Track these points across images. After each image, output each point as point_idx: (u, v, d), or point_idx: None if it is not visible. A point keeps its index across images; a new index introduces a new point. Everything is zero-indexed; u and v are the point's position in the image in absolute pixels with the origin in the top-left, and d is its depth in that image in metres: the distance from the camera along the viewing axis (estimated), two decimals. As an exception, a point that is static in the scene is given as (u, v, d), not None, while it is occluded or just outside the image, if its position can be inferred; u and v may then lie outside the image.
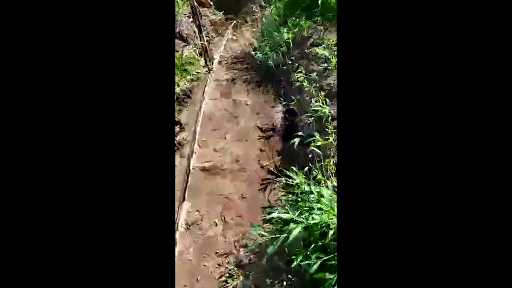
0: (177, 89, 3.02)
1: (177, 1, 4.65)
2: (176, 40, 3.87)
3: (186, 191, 2.12)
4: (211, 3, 5.44)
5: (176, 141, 2.51)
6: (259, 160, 2.33)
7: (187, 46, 3.81)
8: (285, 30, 3.24)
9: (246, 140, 2.56)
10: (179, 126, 2.67)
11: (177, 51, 3.73)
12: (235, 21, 5.42)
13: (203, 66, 3.58)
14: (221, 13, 5.39)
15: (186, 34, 3.92)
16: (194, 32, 4.05)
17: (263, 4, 5.42)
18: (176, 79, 3.13)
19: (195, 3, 4.96)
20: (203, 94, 3.16)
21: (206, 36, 4.32)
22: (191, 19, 4.21)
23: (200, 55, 3.85)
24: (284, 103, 2.84)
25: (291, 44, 3.07)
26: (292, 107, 2.75)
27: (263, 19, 5.05)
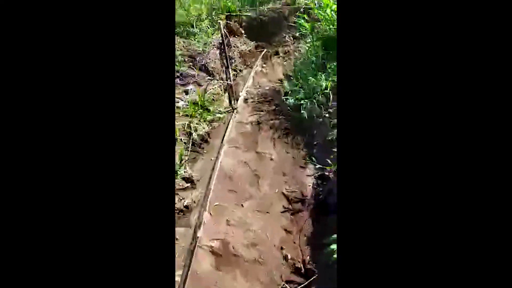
0: (194, 135, 2.58)
1: (207, 31, 4.36)
2: (201, 73, 3.50)
3: (186, 284, 1.61)
4: (243, 31, 5.13)
5: (183, 205, 2.03)
6: (282, 249, 1.79)
7: (212, 81, 3.42)
8: (323, 76, 2.76)
9: (268, 212, 2.03)
10: (190, 183, 2.20)
11: (201, 86, 3.34)
12: (265, 51, 5.05)
13: (225, 108, 3.14)
14: (252, 43, 5.05)
15: (213, 67, 3.54)
16: (222, 65, 3.68)
17: (297, 35, 5.03)
18: (195, 121, 2.70)
19: (226, 32, 4.65)
20: (222, 140, 2.71)
21: (234, 70, 3.94)
22: (219, 51, 3.86)
23: (225, 91, 3.44)
24: (317, 166, 2.31)
25: (330, 95, 2.57)
26: (327, 173, 2.22)
27: (296, 53, 4.64)
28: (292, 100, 2.89)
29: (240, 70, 4.16)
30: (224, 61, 3.39)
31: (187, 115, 2.75)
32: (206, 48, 3.76)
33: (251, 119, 3.06)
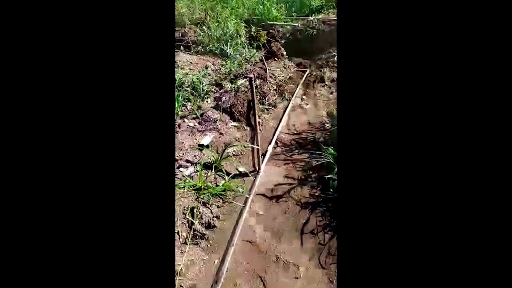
0: (197, 224, 1.90)
1: (242, 51, 3.60)
2: (225, 116, 2.79)
3: None
4: (284, 53, 4.23)
5: None
6: None
7: (236, 129, 2.69)
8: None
9: None
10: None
11: (222, 134, 2.64)
12: (307, 73, 4.11)
13: (245, 171, 2.38)
14: (293, 67, 4.15)
15: (239, 111, 2.79)
16: (248, 110, 2.90)
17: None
18: (201, 201, 2.01)
19: (263, 56, 3.82)
20: (233, 231, 1.98)
21: (265, 109, 3.14)
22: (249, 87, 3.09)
23: (251, 142, 2.69)
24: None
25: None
26: None
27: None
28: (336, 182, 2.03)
29: (274, 106, 3.35)
30: (252, 114, 2.61)
31: (195, 189, 2.07)
32: (234, 85, 3.02)
33: (276, 192, 2.29)
